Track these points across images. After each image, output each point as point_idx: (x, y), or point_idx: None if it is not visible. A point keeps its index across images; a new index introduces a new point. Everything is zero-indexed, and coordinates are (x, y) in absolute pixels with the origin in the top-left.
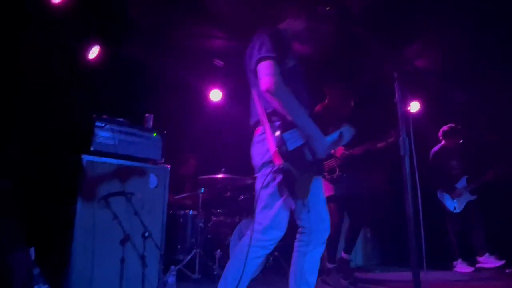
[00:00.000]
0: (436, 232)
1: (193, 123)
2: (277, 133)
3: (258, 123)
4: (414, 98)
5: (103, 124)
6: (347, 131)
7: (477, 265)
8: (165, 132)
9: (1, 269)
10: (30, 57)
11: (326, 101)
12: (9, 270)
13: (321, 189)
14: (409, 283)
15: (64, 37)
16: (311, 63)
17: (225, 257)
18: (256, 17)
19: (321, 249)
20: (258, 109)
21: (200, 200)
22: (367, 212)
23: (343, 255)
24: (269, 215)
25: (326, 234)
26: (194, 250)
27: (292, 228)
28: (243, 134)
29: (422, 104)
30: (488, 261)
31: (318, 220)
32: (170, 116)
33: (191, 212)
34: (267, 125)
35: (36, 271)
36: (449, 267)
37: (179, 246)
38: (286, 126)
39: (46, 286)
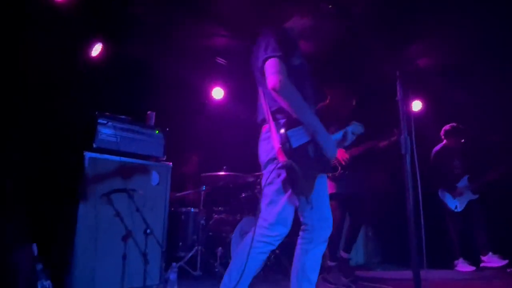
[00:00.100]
0: (437, 231)
1: (195, 121)
2: (282, 130)
3: (264, 121)
4: (416, 97)
5: (106, 121)
6: (357, 128)
7: (481, 264)
8: (167, 129)
9: (5, 265)
10: (32, 54)
11: (327, 101)
12: (13, 266)
13: (326, 187)
14: (409, 282)
15: (66, 35)
16: (313, 62)
17: (226, 255)
18: (258, 15)
19: (323, 247)
20: (264, 107)
21: (201, 198)
22: (368, 211)
23: (342, 254)
24: (274, 211)
25: (328, 232)
26: (196, 247)
27: (293, 225)
28: (244, 132)
29: (424, 103)
30: (491, 260)
31: (321, 218)
32: (172, 114)
33: (192, 209)
34: (272, 123)
35: (39, 267)
36: (450, 266)
37: (181, 243)
38: (291, 123)
39: (49, 281)
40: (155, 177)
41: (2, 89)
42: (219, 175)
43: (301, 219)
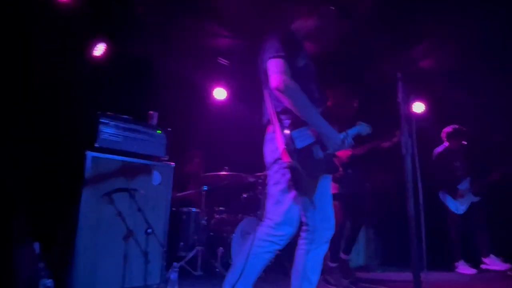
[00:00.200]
0: (438, 232)
1: (197, 121)
2: (286, 131)
3: (269, 122)
4: (418, 98)
5: (108, 121)
6: (364, 128)
7: (483, 266)
8: (169, 129)
9: (7, 264)
10: (36, 54)
11: (329, 102)
12: (15, 264)
13: (329, 188)
14: (410, 284)
15: (69, 34)
16: (316, 63)
17: (227, 255)
18: (261, 16)
19: (324, 248)
20: (269, 109)
21: (203, 198)
22: (369, 212)
23: (342, 255)
24: (280, 211)
25: (330, 233)
26: (197, 247)
27: None
28: (246, 133)
29: (426, 104)
30: (493, 263)
31: (323, 219)
32: (174, 114)
33: (194, 209)
34: (276, 124)
35: (41, 265)
36: (451, 268)
37: (182, 243)
38: (295, 124)
39: (50, 280)
40: (157, 177)
41: (5, 89)
42: (221, 175)
43: (303, 219)
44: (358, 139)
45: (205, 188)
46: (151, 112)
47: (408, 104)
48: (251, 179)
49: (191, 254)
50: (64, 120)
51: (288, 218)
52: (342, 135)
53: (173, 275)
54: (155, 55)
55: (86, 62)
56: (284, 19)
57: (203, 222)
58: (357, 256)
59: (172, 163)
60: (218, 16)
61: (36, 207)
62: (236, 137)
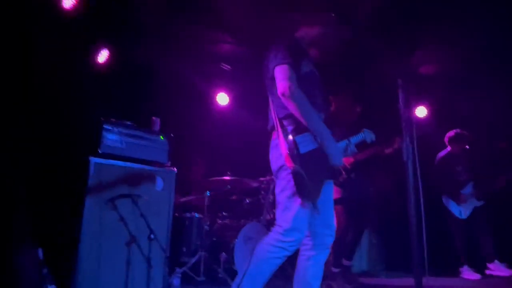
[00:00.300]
0: (442, 238)
1: (199, 126)
2: (290, 136)
3: (273, 128)
4: (421, 103)
5: (111, 127)
6: (368, 135)
7: (487, 272)
8: (172, 135)
9: (11, 269)
10: (39, 60)
11: (332, 108)
12: (18, 270)
13: (331, 194)
14: None
15: (73, 41)
16: (320, 69)
17: (230, 260)
18: (264, 22)
19: (325, 254)
20: (273, 115)
21: (205, 203)
22: (372, 217)
23: (344, 261)
24: (288, 217)
25: (330, 240)
26: (199, 253)
27: None
28: (249, 138)
29: (429, 109)
30: (498, 268)
31: (324, 225)
32: (177, 120)
33: (196, 215)
34: (280, 130)
35: (44, 271)
36: (455, 273)
37: (184, 249)
38: (298, 130)
39: (54, 286)
40: (159, 182)
41: (9, 94)
42: (224, 180)
43: None
44: (361, 145)
45: (208, 193)
46: (154, 118)
47: (409, 110)
48: (254, 184)
49: (193, 260)
50: (67, 126)
51: (297, 223)
52: (344, 143)
53: (176, 281)
54: (157, 61)
55: (88, 66)
56: (289, 27)
57: (206, 227)
58: (360, 261)
59: (174, 168)
60: (221, 22)
61: (40, 212)
62: (239, 142)
